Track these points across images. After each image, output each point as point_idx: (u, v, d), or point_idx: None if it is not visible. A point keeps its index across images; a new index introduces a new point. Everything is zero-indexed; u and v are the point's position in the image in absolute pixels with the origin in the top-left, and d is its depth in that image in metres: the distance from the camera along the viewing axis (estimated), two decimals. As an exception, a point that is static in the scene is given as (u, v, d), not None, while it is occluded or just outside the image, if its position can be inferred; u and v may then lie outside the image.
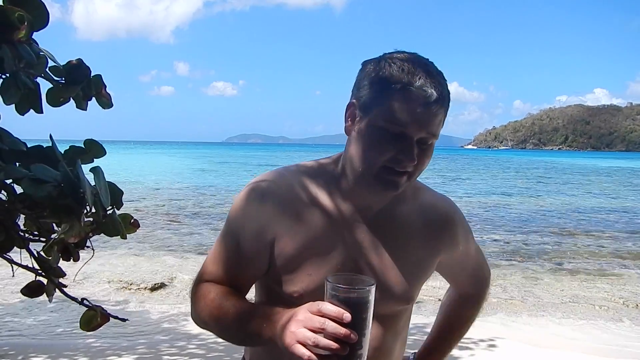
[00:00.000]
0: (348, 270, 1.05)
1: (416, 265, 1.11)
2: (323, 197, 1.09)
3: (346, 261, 1.07)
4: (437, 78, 0.98)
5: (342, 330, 0.83)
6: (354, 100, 1.04)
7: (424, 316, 4.78)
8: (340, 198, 1.09)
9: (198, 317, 1.12)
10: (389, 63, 0.99)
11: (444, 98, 0.97)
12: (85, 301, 1.59)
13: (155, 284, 6.13)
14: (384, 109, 0.97)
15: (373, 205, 1.10)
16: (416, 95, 0.95)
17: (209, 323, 1.09)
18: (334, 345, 0.83)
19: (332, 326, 0.83)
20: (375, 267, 1.08)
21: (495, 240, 9.88)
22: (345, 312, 0.84)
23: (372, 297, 0.86)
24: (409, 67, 0.97)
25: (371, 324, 0.88)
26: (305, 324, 0.86)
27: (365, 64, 1.05)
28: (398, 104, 0.95)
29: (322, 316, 0.85)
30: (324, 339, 0.84)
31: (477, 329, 4.47)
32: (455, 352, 3.91)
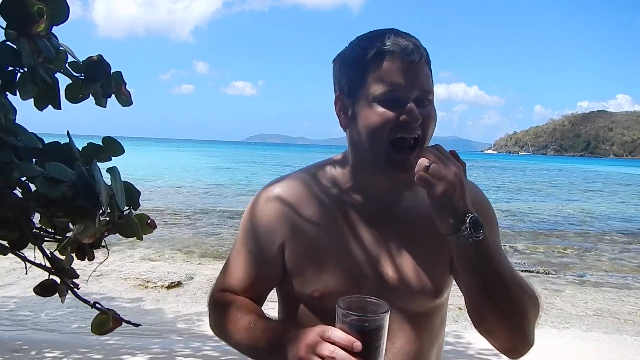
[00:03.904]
0: (369, 266, 1.03)
1: (440, 253, 1.03)
2: (332, 195, 1.07)
3: (365, 257, 1.03)
4: (405, 34, 0.97)
5: None
6: (339, 93, 1.04)
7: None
8: (351, 194, 1.07)
9: (215, 328, 1.13)
10: (355, 43, 1.00)
11: (421, 48, 0.96)
12: (97, 304, 1.55)
13: (172, 282, 6.12)
14: (370, 82, 0.96)
15: (386, 195, 1.06)
16: (392, 52, 0.94)
17: (224, 335, 1.08)
18: None
19: (341, 355, 0.80)
20: (396, 261, 1.04)
21: (516, 250, 9.67)
22: (356, 341, 0.80)
23: (385, 324, 0.82)
24: (374, 35, 0.98)
25: (384, 348, 0.84)
26: (314, 350, 0.83)
27: (335, 59, 1.06)
28: (379, 69, 0.95)
29: (332, 343, 0.81)
30: None
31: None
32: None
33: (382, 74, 0.94)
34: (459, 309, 4.85)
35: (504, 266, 0.94)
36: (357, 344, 0.79)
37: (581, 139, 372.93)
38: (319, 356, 0.82)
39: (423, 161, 0.88)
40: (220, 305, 1.10)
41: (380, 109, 0.95)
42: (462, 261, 0.94)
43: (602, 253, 9.70)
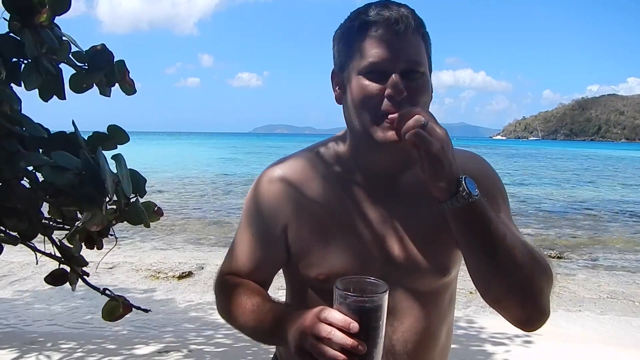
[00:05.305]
0: (374, 246, 1.01)
1: (446, 230, 0.96)
2: (335, 174, 1.06)
3: (371, 237, 1.02)
4: (395, 5, 0.94)
5: (349, 341, 0.78)
6: (333, 68, 1.03)
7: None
8: (353, 172, 1.05)
9: (221, 311, 1.13)
10: (345, 19, 1.00)
11: (409, 17, 0.92)
12: (107, 291, 1.56)
13: (183, 272, 6.16)
14: (355, 54, 0.95)
15: (388, 171, 1.04)
16: (375, 22, 0.92)
17: (230, 318, 1.09)
18: (340, 356, 0.78)
19: (338, 336, 0.79)
20: (402, 239, 1.02)
21: (527, 235, 9.62)
22: (353, 321, 0.79)
23: (384, 304, 0.81)
24: (362, 7, 0.97)
25: (384, 331, 0.82)
26: (312, 332, 0.82)
27: (333, 36, 1.04)
28: (363, 40, 0.93)
29: (329, 324, 0.80)
30: (330, 350, 0.79)
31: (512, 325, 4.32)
32: (489, 348, 3.84)
33: (365, 45, 0.92)
34: (471, 293, 4.85)
35: (504, 227, 0.91)
36: (354, 325, 0.78)
37: (592, 123, 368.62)
38: (317, 337, 0.81)
39: (419, 119, 0.84)
40: (226, 288, 1.11)
41: (365, 82, 0.93)
42: (460, 225, 0.90)
43: (614, 236, 9.61)
